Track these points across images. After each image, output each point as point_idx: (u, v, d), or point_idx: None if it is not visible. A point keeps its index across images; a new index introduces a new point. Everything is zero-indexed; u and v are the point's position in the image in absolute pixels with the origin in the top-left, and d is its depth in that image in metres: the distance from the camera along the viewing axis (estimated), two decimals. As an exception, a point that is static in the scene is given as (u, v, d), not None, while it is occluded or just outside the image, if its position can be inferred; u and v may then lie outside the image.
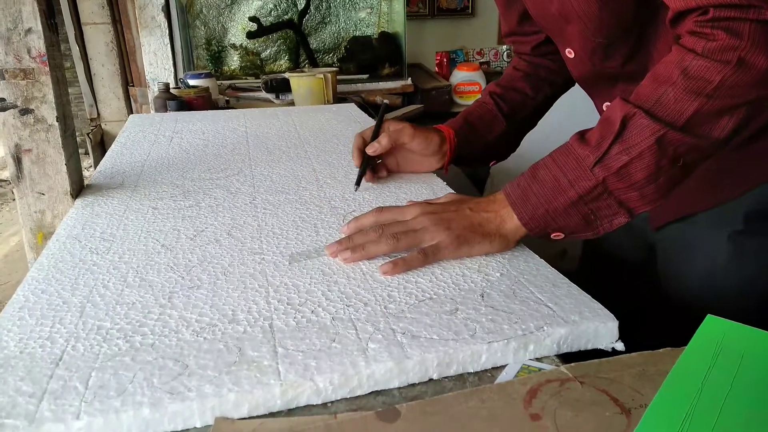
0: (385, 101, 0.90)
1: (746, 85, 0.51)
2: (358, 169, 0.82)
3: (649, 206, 0.56)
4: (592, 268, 0.96)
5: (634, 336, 0.51)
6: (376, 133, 0.83)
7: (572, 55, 0.75)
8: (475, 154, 0.90)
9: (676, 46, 0.55)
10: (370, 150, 0.81)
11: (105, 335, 0.47)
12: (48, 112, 0.76)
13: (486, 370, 0.45)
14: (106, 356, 0.44)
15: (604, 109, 0.77)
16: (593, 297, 0.52)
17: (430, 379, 0.44)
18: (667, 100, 0.53)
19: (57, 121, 0.76)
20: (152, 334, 0.47)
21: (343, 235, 0.63)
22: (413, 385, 0.43)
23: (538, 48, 0.90)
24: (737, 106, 0.52)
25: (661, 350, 0.43)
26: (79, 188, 0.82)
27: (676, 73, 0.53)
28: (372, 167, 0.84)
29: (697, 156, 0.55)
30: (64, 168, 0.78)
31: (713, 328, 0.46)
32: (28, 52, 0.73)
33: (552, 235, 0.60)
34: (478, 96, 0.96)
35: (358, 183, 0.80)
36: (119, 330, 0.47)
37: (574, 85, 0.92)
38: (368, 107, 1.84)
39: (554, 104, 0.97)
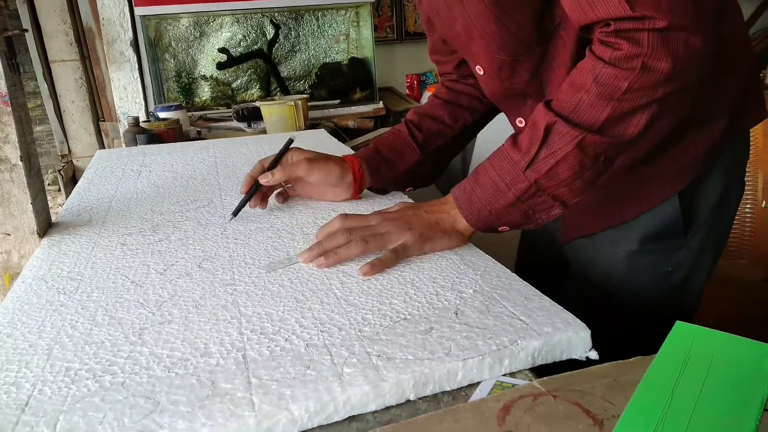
0: (291, 137, 0.87)
1: (652, 86, 0.56)
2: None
3: (580, 196, 0.63)
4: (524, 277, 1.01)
5: None
6: (274, 163, 0.81)
7: (482, 72, 0.77)
8: (389, 183, 0.89)
9: (589, 52, 0.60)
10: (263, 180, 0.80)
11: (73, 377, 0.46)
12: (11, 152, 0.75)
13: (460, 389, 0.45)
14: (75, 398, 0.43)
15: (518, 123, 0.80)
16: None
17: (407, 401, 0.44)
18: (583, 107, 0.59)
19: (21, 160, 0.75)
20: (122, 372, 0.46)
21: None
22: (388, 408, 0.43)
23: (460, 68, 0.90)
24: (647, 104, 0.57)
25: (632, 359, 0.43)
26: (45, 227, 0.80)
27: (589, 81, 0.58)
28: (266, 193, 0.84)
29: (615, 151, 0.60)
30: (30, 207, 0.77)
31: (682, 334, 0.46)
32: (-10, 92, 0.72)
33: (499, 229, 0.67)
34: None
35: (235, 213, 0.79)
36: (88, 370, 0.46)
37: (499, 113, 0.92)
38: (340, 132, 1.85)
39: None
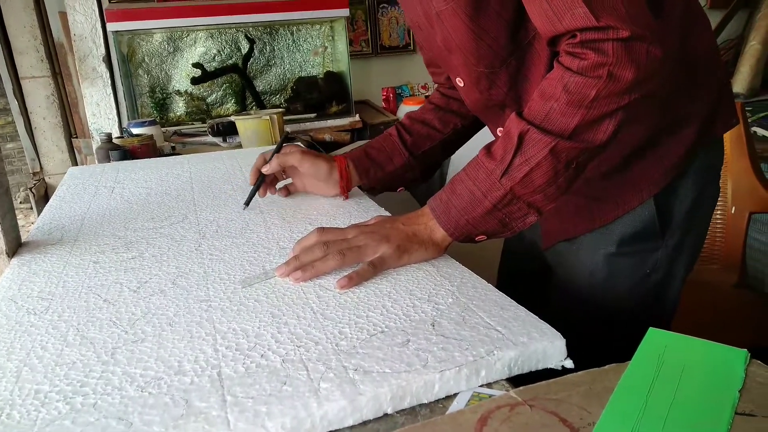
0: (288, 131, 0.96)
1: (618, 94, 0.59)
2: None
3: (554, 203, 0.64)
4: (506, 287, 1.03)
5: None
6: (273, 155, 0.88)
7: (462, 84, 0.79)
8: (377, 184, 0.92)
9: (557, 63, 0.62)
10: (264, 169, 0.88)
11: (43, 399, 0.44)
12: (-21, 170, 0.73)
13: (438, 401, 0.45)
14: (44, 421, 0.42)
15: (498, 134, 0.81)
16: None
17: (385, 414, 0.43)
18: (554, 115, 0.61)
19: (-11, 179, 0.74)
20: (94, 393, 0.45)
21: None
22: (365, 423, 0.43)
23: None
24: (614, 111, 0.60)
25: (606, 367, 0.44)
26: (15, 247, 0.78)
27: (559, 90, 0.60)
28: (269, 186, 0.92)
29: (586, 157, 0.62)
30: (-1, 227, 0.75)
31: (655, 340, 0.47)
32: (-45, 110, 0.71)
33: (476, 239, 0.67)
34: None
35: (247, 203, 0.89)
36: (59, 392, 0.45)
37: None
38: (317, 145, 1.85)
39: None
